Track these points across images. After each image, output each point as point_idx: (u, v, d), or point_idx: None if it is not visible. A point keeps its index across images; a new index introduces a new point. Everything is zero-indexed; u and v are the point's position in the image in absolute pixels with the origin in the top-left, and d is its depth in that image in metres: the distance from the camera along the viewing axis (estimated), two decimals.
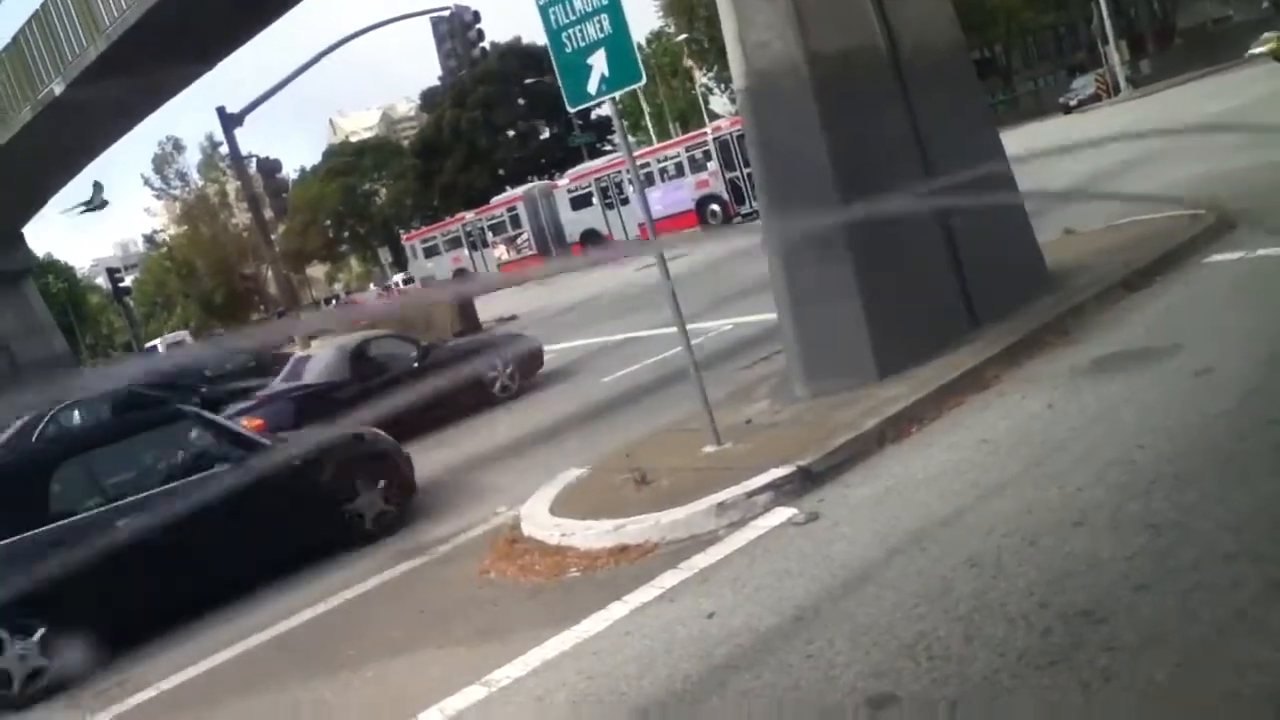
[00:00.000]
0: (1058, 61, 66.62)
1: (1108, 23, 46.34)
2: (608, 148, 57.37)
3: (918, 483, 6.10)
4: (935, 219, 8.75)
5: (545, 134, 68.80)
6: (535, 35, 56.62)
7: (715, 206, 36.87)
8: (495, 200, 49.37)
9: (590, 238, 41.25)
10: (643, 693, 4.53)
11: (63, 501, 7.41)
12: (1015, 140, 17.64)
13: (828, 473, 6.58)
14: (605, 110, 39.81)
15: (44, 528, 7.16)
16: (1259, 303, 7.56)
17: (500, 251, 45.76)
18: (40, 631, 6.82)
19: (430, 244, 50.13)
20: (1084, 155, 21.62)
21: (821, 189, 8.31)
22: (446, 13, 29.78)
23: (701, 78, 64.13)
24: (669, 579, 5.70)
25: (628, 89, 7.87)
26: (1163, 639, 3.73)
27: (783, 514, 6.16)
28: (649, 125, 60.81)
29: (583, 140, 54.12)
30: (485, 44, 40.22)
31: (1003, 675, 3.78)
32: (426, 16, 31.33)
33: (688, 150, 38.37)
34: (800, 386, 8.42)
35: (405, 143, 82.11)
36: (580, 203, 42.05)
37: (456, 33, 31.42)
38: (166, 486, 7.66)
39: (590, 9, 7.40)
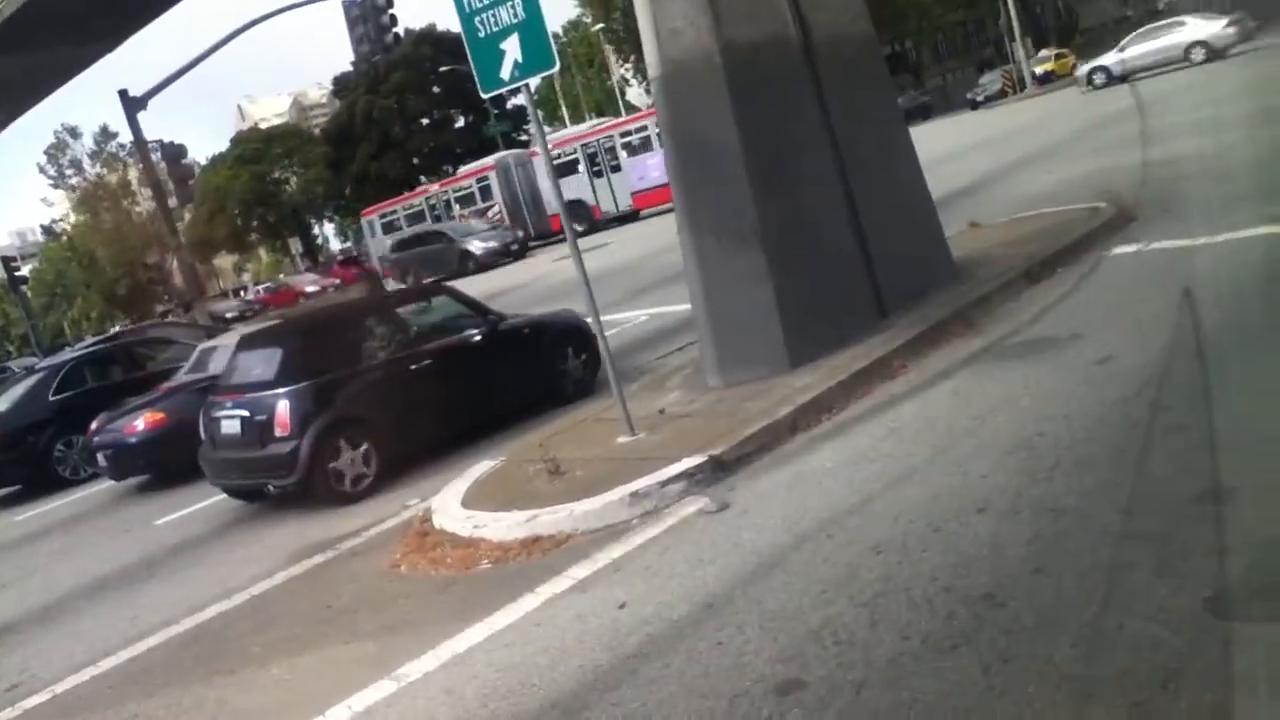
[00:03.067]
0: (966, 58, 68.11)
1: (1014, 20, 47.46)
2: (523, 137, 56.82)
3: (826, 471, 6.17)
4: (846, 210, 8.86)
5: (460, 122, 68.01)
6: (450, 22, 55.89)
7: None
8: (463, 170, 46.45)
9: (574, 208, 37.03)
10: (554, 684, 4.51)
11: (369, 350, 9.39)
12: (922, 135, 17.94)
13: (739, 461, 6.62)
14: (521, 99, 38.30)
15: (359, 366, 9.17)
16: (1155, 293, 7.80)
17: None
18: (365, 446, 8.80)
19: (390, 219, 46.32)
20: (988, 150, 22.14)
21: (734, 178, 8.35)
22: None
23: (618, 68, 64.11)
24: (581, 569, 5.68)
25: (541, 75, 7.81)
26: (1060, 621, 3.83)
27: (695, 503, 6.18)
28: (565, 115, 60.57)
29: (498, 129, 53.53)
30: (399, 30, 39.54)
31: (906, 658, 3.84)
32: (339, 0, 30.69)
33: None
34: (713, 376, 8.46)
35: (317, 130, 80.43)
36: (563, 170, 37.43)
37: (369, 17, 30.90)
38: (440, 342, 9.77)
39: None
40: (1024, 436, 5.69)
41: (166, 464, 11.83)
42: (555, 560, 5.96)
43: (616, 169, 36.93)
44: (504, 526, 6.54)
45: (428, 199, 45.05)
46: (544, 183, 38.94)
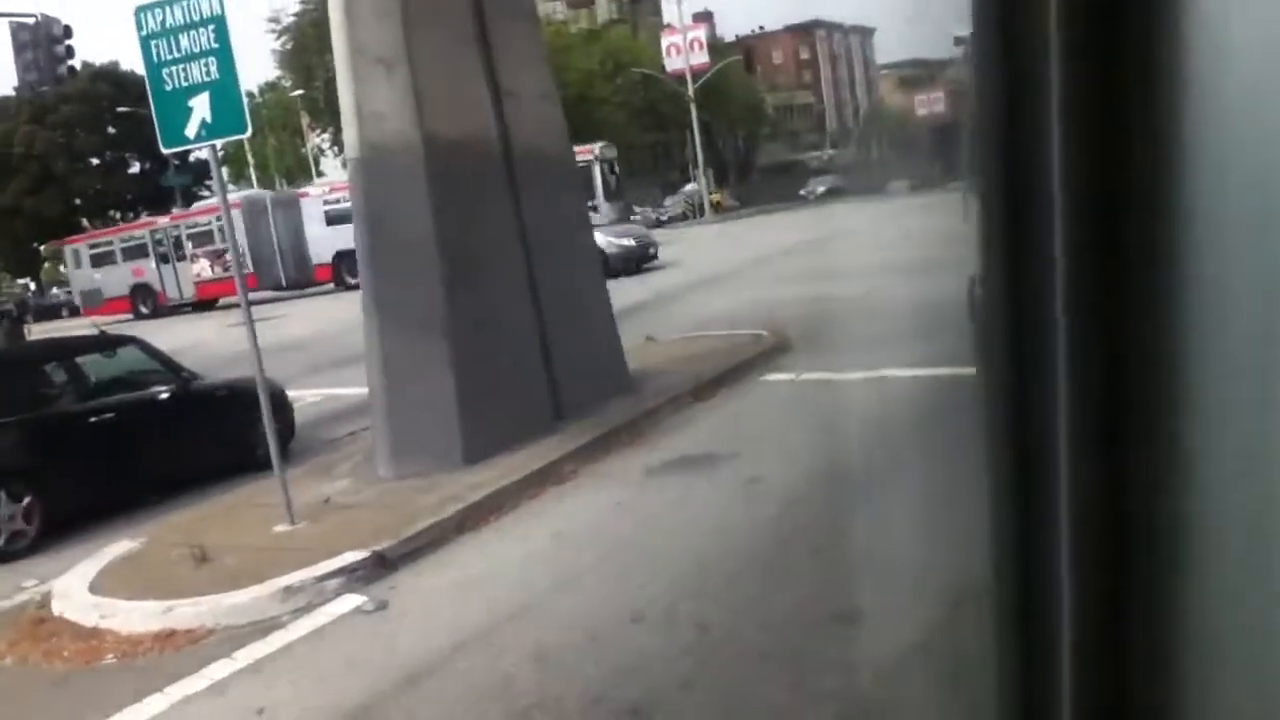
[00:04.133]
0: (656, 177, 72.15)
1: (699, 150, 51.19)
2: (205, 193, 53.62)
3: (490, 573, 6.15)
4: (531, 311, 9.04)
5: (135, 168, 63.34)
6: (136, 64, 52.32)
7: None
8: (199, 205, 40.93)
9: (350, 260, 31.25)
10: None
11: (43, 398, 8.98)
12: None
13: (402, 559, 6.44)
14: (206, 154, 35.32)
15: (27, 414, 8.61)
16: (804, 420, 8.49)
17: (200, 267, 37.44)
18: (27, 500, 8.16)
19: (103, 250, 40.39)
20: (677, 269, 23.41)
21: (426, 268, 8.32)
22: (31, 20, 26.81)
23: (314, 137, 62.49)
24: (220, 669, 5.27)
25: (230, 139, 7.49)
26: None
27: (352, 601, 5.94)
28: (253, 176, 58.11)
29: (178, 182, 50.18)
30: (75, 62, 36.40)
31: None
32: (5, 20, 27.84)
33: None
34: (385, 467, 8.26)
35: None
36: (344, 218, 32.10)
37: (41, 44, 28.09)
38: (123, 397, 9.28)
39: (198, 50, 6.97)
40: (680, 550, 5.95)
41: None
42: (191, 657, 5.50)
43: None
44: (136, 617, 5.97)
45: (153, 233, 39.47)
46: (315, 229, 35.79)
